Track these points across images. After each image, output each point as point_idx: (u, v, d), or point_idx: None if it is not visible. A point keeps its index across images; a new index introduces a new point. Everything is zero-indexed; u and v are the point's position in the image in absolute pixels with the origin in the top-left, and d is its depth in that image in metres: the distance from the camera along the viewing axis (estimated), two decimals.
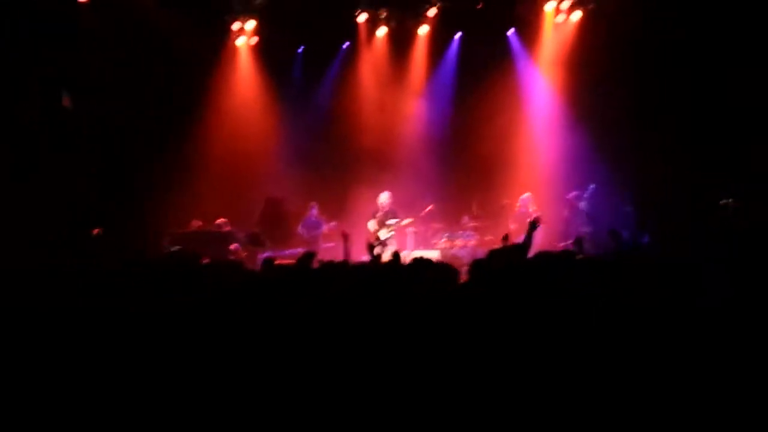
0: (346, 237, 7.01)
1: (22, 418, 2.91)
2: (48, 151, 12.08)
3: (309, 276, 5.22)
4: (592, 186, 11.83)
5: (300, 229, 13.05)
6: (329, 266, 5.39)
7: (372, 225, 12.36)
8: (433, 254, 11.69)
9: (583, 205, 11.87)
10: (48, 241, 10.36)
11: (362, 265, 6.42)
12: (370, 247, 6.84)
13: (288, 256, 11.11)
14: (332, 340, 3.16)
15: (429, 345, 3.04)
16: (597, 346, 2.86)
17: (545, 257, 4.92)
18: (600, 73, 12.21)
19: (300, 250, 11.56)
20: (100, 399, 2.97)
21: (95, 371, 3.10)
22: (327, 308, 3.41)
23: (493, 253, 5.29)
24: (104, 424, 2.92)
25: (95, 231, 12.21)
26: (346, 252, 6.97)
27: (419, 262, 5.62)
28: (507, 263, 4.99)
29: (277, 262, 8.23)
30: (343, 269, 5.29)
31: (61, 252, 9.99)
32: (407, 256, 10.06)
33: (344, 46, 14.63)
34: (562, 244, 11.18)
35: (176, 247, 10.21)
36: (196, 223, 12.85)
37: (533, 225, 6.26)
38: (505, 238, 6.33)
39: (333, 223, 12.85)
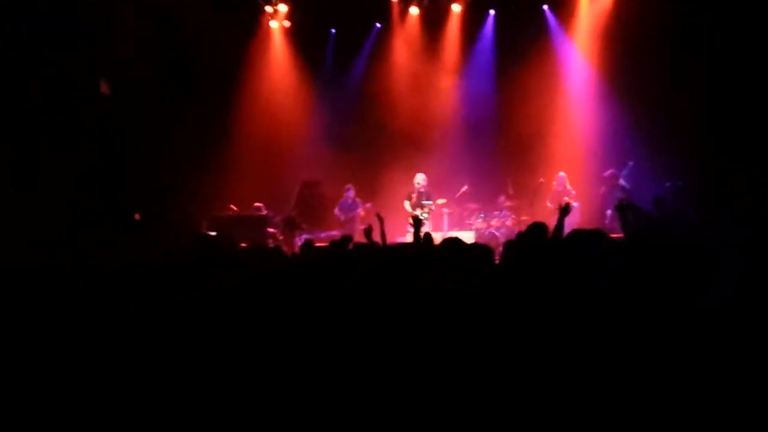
0: (380, 219, 7.00)
1: (22, 418, 2.94)
2: (85, 137, 12.22)
3: (344, 259, 5.22)
4: (630, 163, 11.66)
5: (337, 211, 13.10)
6: (362, 247, 5.39)
7: (408, 206, 12.38)
8: (469, 235, 11.67)
9: (621, 182, 11.71)
10: (87, 227, 10.54)
11: (395, 247, 6.41)
12: (416, 220, 6.82)
13: (325, 239, 11.17)
14: (330, 339, 3.14)
15: (423, 345, 3.02)
16: (599, 346, 2.83)
17: (577, 236, 4.86)
18: (636, 48, 12.04)
19: (336, 233, 11.64)
20: (101, 399, 2.99)
21: (95, 371, 3.11)
22: (326, 307, 3.38)
23: (521, 236, 5.24)
24: (104, 424, 2.94)
25: (136, 216, 12.45)
26: (382, 233, 6.96)
27: (449, 242, 5.61)
28: (535, 244, 4.95)
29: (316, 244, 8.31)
30: (375, 251, 5.29)
31: (96, 242, 10.12)
32: (443, 237, 10.07)
33: (377, 27, 14.56)
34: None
35: (212, 233, 10.34)
36: (233, 208, 12.97)
37: (564, 210, 6.17)
38: (565, 209, 6.18)
39: (369, 205, 12.87)
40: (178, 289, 4.09)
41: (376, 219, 7.12)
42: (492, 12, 14.09)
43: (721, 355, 2.61)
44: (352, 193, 13.14)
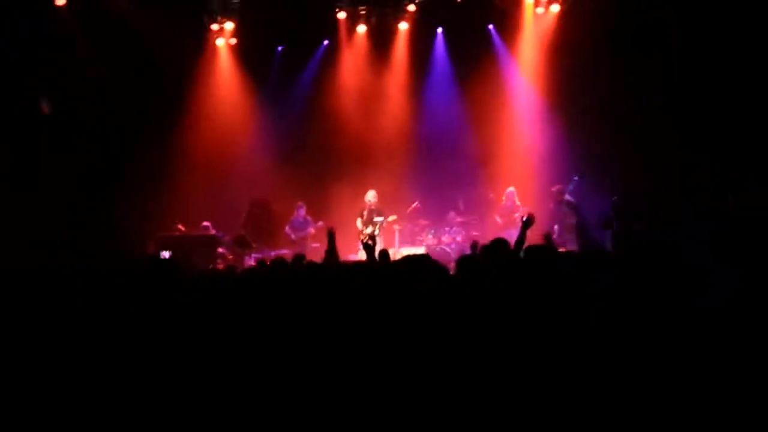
0: (332, 233, 6.89)
1: (22, 418, 2.90)
2: (28, 155, 11.97)
3: (301, 276, 5.20)
4: (576, 177, 11.86)
5: (287, 229, 12.99)
6: (316, 266, 5.36)
7: (359, 223, 12.36)
8: (420, 251, 11.70)
9: (567, 197, 11.89)
10: (33, 241, 10.30)
11: (355, 264, 6.39)
12: (366, 246, 6.72)
13: (275, 257, 11.05)
14: (328, 340, 3.15)
15: (424, 344, 3.03)
16: (595, 345, 2.86)
17: (534, 252, 4.93)
18: (581, 64, 12.29)
19: (288, 252, 11.53)
20: (100, 399, 2.96)
21: (95, 371, 3.08)
22: (322, 308, 3.39)
23: (484, 249, 5.27)
24: (104, 424, 2.91)
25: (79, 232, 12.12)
26: (331, 248, 6.87)
27: (409, 259, 5.61)
28: (497, 259, 4.99)
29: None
30: (335, 269, 5.27)
31: (47, 253, 9.93)
32: (395, 254, 10.07)
33: (324, 45, 14.56)
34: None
35: (166, 253, 10.14)
36: (181, 227, 12.73)
37: (527, 222, 6.21)
38: (527, 221, 6.22)
39: (320, 224, 12.81)
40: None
41: (327, 233, 7.01)
42: (440, 30, 14.24)
43: (719, 355, 2.64)
44: (303, 211, 13.05)
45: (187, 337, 3.28)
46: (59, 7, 12.55)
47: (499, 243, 5.40)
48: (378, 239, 12.11)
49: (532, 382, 2.75)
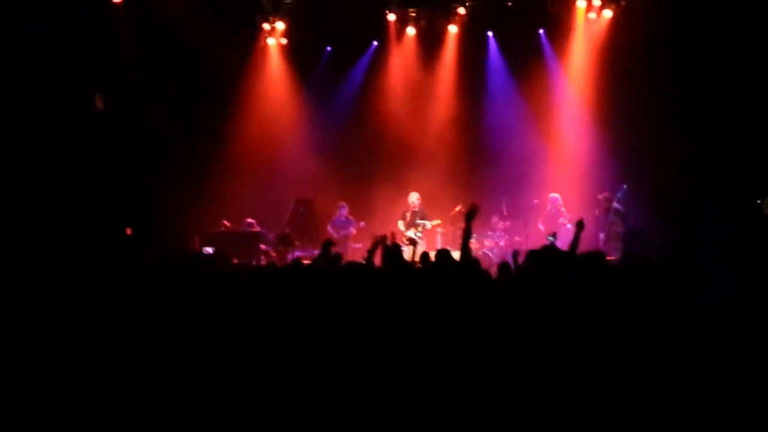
0: (384, 239, 6.85)
1: (21, 418, 2.92)
2: (75, 151, 12.22)
3: (326, 274, 5.20)
4: (624, 186, 11.66)
5: (329, 228, 13.06)
6: (352, 266, 5.38)
7: (401, 225, 12.36)
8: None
9: (615, 205, 11.71)
10: (74, 241, 10.48)
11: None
12: (388, 253, 6.65)
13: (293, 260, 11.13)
14: (330, 339, 3.14)
15: (428, 344, 3.01)
16: (599, 346, 2.82)
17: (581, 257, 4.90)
18: (630, 70, 12.09)
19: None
20: (100, 399, 2.97)
21: (95, 371, 3.10)
22: (326, 307, 3.39)
23: (530, 254, 5.21)
24: (104, 425, 2.92)
25: (128, 231, 12.38)
26: (384, 253, 6.86)
27: (443, 255, 5.60)
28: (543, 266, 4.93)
29: (305, 262, 8.24)
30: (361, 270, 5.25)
31: (88, 252, 10.10)
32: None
33: (374, 45, 14.60)
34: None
35: (210, 249, 10.26)
36: (226, 224, 12.91)
37: (580, 225, 6.16)
38: (580, 224, 6.19)
39: (362, 224, 12.86)
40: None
41: (368, 238, 7.02)
42: (490, 34, 14.16)
43: (720, 355, 2.60)
44: (345, 211, 13.12)
45: (187, 337, 3.29)
46: (115, 5, 12.82)
47: (547, 251, 5.34)
48: (420, 242, 12.10)
49: (533, 381, 2.73)
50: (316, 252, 11.81)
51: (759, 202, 10.05)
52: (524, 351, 2.86)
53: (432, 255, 7.76)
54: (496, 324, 3.04)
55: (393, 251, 6.42)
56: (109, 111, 12.93)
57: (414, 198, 12.44)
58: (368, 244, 6.74)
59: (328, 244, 6.56)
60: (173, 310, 3.53)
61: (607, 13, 12.99)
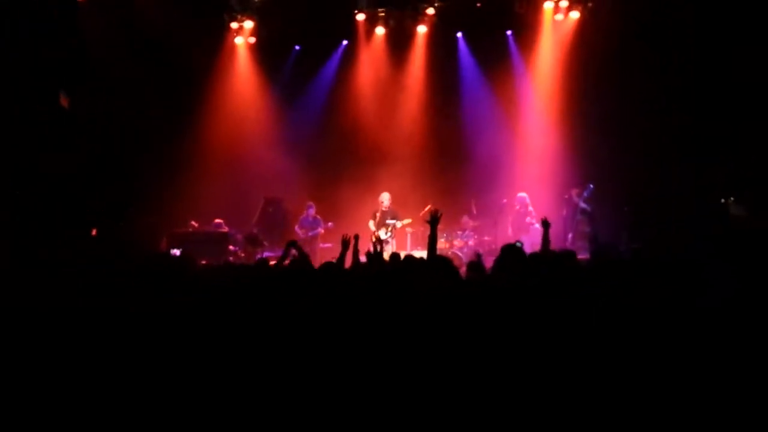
0: (356, 238, 6.91)
1: (21, 418, 2.89)
2: (41, 151, 12.01)
3: (305, 276, 5.19)
4: (591, 185, 11.78)
5: (297, 228, 13.01)
6: (328, 266, 5.36)
7: (372, 225, 12.36)
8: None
9: (582, 204, 11.82)
10: (42, 241, 10.31)
11: (360, 266, 6.39)
12: (368, 255, 6.73)
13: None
14: (329, 339, 3.14)
15: (428, 344, 3.02)
16: (597, 345, 2.84)
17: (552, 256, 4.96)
18: (598, 70, 12.21)
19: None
20: (99, 399, 2.95)
21: (94, 371, 3.07)
22: (325, 307, 3.39)
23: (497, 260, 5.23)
24: (103, 425, 2.90)
25: (93, 231, 12.19)
26: (354, 254, 6.92)
27: (410, 260, 5.62)
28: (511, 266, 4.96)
29: (272, 262, 8.19)
30: (342, 269, 5.27)
31: (56, 252, 9.94)
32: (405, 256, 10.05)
33: (342, 45, 14.57)
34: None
35: (176, 251, 10.16)
36: (194, 224, 12.80)
37: (546, 224, 6.23)
38: (546, 222, 6.29)
39: (330, 224, 12.85)
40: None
41: (338, 238, 7.01)
42: (460, 35, 14.21)
43: (720, 355, 2.62)
44: (312, 211, 13.09)
45: (186, 337, 3.27)
46: (81, 3, 12.63)
47: (509, 250, 5.36)
48: (391, 242, 12.11)
49: (531, 382, 2.74)
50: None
51: (724, 201, 10.21)
52: (522, 351, 2.87)
53: (402, 255, 7.78)
54: (494, 323, 3.05)
55: (377, 255, 6.51)
56: (74, 109, 12.72)
57: (385, 198, 12.44)
58: (337, 244, 6.75)
59: (291, 244, 6.54)
60: (173, 310, 3.51)
61: (574, 15, 13.11)
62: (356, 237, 7.12)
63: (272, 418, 2.88)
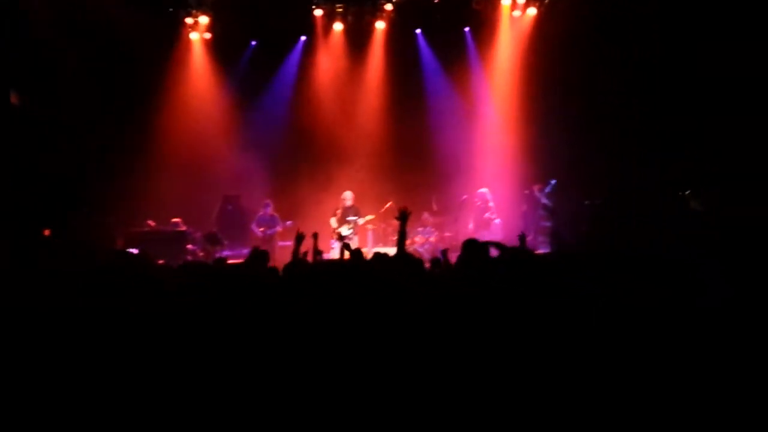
0: (299, 238, 6.84)
1: (21, 418, 2.82)
2: None
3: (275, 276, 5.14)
4: (553, 181, 11.88)
5: (254, 227, 12.87)
6: (295, 265, 5.29)
7: (333, 222, 12.27)
8: (392, 251, 11.62)
9: (543, 200, 11.93)
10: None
11: (331, 263, 6.34)
12: (346, 246, 6.71)
13: (246, 255, 10.94)
14: (312, 339, 3.09)
15: (409, 342, 2.99)
16: (593, 344, 2.83)
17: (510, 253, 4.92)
18: (556, 66, 12.31)
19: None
20: (98, 399, 2.88)
21: (93, 371, 2.99)
22: (308, 307, 3.33)
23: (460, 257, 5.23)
24: (102, 425, 2.83)
25: (45, 232, 11.87)
26: (314, 251, 6.87)
27: (380, 257, 5.57)
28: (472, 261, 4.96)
29: (230, 261, 8.08)
30: (313, 268, 5.20)
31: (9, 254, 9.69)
32: (367, 254, 10.02)
33: (301, 41, 14.44)
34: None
35: (133, 249, 9.94)
36: (151, 223, 12.56)
37: (403, 216, 6.18)
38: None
39: (289, 222, 12.73)
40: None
41: (296, 236, 6.94)
42: (418, 31, 14.20)
43: (720, 355, 2.62)
44: (269, 209, 12.95)
45: (181, 338, 3.21)
46: None
47: (470, 245, 5.35)
48: (353, 238, 12.04)
49: (530, 381, 2.72)
50: (245, 251, 11.68)
51: (682, 194, 10.35)
52: (508, 352, 2.85)
53: (365, 252, 7.75)
54: (492, 323, 3.02)
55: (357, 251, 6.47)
56: (25, 106, 12.37)
57: (348, 196, 12.34)
58: (304, 242, 6.70)
59: (256, 251, 6.50)
60: (172, 310, 3.43)
61: (532, 11, 13.21)
62: (315, 235, 7.07)
63: (263, 419, 2.83)
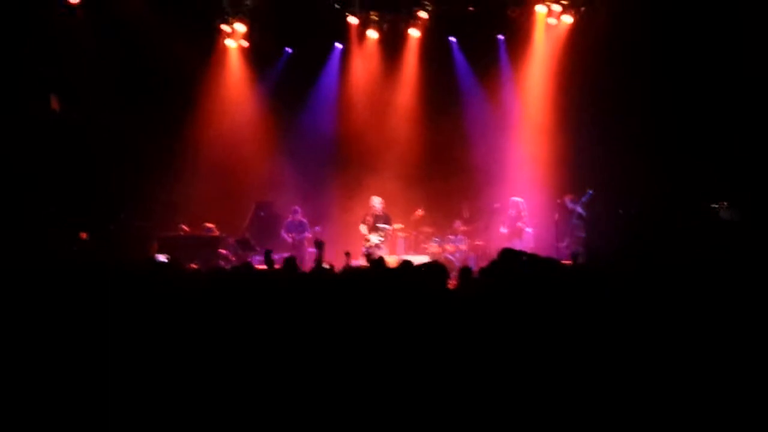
0: (319, 245, 6.92)
1: (20, 418, 2.88)
2: (35, 154, 11.93)
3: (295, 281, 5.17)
4: (590, 191, 11.74)
5: (283, 233, 12.96)
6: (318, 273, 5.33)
7: (363, 229, 12.26)
8: (424, 259, 11.61)
9: (579, 209, 11.80)
10: (36, 244, 10.24)
11: (353, 271, 6.37)
12: (366, 256, 6.79)
13: (278, 260, 11.02)
14: (328, 343, 3.11)
15: (422, 348, 2.99)
16: (594, 345, 2.82)
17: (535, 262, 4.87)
18: (591, 75, 12.16)
19: (287, 254, 11.48)
20: (98, 399, 2.93)
21: (93, 371, 3.06)
22: (325, 312, 3.36)
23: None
24: (102, 424, 2.88)
25: (83, 235, 12.10)
26: (319, 258, 6.93)
27: (406, 266, 5.56)
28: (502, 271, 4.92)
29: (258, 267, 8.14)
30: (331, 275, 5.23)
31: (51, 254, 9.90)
32: (398, 261, 10.02)
33: (335, 49, 14.52)
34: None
35: (162, 256, 10.09)
36: (185, 228, 12.73)
37: (319, 245, 6.23)
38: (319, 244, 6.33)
39: (318, 228, 12.78)
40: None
41: (315, 243, 7.01)
42: (453, 39, 14.17)
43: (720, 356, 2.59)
44: (298, 215, 13.02)
45: (187, 337, 3.25)
46: (72, 5, 12.57)
47: (506, 255, 5.30)
48: (382, 246, 12.04)
49: (530, 381, 2.72)
50: (276, 256, 11.76)
51: (714, 206, 10.19)
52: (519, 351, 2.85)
53: (391, 261, 7.75)
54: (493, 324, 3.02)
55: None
56: (65, 112, 12.65)
57: (376, 202, 12.32)
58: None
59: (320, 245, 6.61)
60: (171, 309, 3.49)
61: (567, 19, 13.08)
62: (318, 244, 7.12)
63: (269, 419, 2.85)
